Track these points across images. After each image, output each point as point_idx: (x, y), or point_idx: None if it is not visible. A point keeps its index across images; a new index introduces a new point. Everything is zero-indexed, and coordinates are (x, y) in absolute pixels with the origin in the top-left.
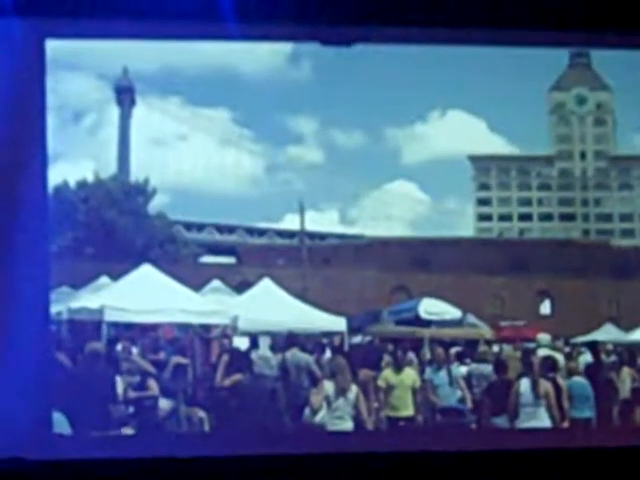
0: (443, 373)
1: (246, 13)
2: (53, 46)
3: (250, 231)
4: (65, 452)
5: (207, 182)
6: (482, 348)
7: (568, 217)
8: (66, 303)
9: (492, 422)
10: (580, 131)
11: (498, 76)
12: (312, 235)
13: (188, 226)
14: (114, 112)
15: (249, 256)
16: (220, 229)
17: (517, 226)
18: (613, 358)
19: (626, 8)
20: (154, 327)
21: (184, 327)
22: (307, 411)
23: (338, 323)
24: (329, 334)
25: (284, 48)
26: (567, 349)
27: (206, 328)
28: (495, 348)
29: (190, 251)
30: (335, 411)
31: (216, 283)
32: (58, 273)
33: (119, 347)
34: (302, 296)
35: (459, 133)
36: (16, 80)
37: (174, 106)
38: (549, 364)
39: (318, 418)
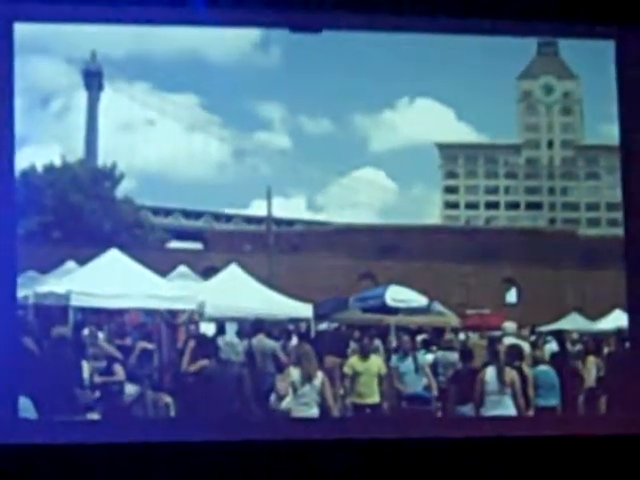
0: (409, 361)
1: None
2: (21, 29)
3: (217, 217)
4: (30, 437)
5: (174, 167)
6: (448, 336)
7: (535, 206)
8: (32, 287)
9: (457, 410)
10: (547, 120)
11: (466, 64)
12: (279, 221)
13: (155, 211)
14: (82, 96)
15: (216, 242)
16: (187, 214)
17: (484, 214)
18: (579, 347)
19: None
20: (120, 312)
21: (151, 312)
22: (273, 397)
23: (304, 310)
24: (295, 321)
25: (253, 34)
26: (533, 338)
27: (173, 314)
28: (461, 336)
29: (157, 236)
30: (301, 397)
31: (183, 269)
32: (25, 257)
33: (85, 332)
34: (269, 282)
35: (427, 121)
36: None
37: (142, 91)
38: (515, 352)
39: (284, 404)
